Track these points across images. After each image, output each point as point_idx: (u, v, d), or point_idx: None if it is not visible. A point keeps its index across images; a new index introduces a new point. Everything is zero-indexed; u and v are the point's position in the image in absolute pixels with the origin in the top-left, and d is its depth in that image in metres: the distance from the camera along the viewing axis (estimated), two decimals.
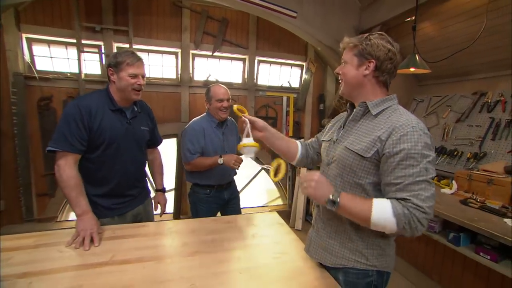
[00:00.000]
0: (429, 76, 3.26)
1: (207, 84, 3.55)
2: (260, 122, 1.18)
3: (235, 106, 1.19)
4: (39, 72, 3.03)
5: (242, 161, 1.91)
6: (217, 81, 3.60)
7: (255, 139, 1.17)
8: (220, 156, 1.97)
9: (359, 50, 0.97)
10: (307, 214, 3.92)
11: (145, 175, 1.74)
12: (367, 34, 0.99)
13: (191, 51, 3.50)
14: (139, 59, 1.47)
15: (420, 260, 2.57)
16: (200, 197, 2.10)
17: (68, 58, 3.17)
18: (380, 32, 0.99)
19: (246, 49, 3.67)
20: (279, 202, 4.21)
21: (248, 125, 1.16)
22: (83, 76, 3.10)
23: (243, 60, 3.77)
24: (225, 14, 3.54)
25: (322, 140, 1.19)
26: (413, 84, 3.57)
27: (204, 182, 2.08)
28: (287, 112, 3.93)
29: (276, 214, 1.69)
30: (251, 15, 3.60)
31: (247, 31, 3.67)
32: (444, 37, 2.88)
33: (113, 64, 1.43)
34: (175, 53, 3.50)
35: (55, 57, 3.16)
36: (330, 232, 1.03)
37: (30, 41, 3.04)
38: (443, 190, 2.58)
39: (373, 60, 0.95)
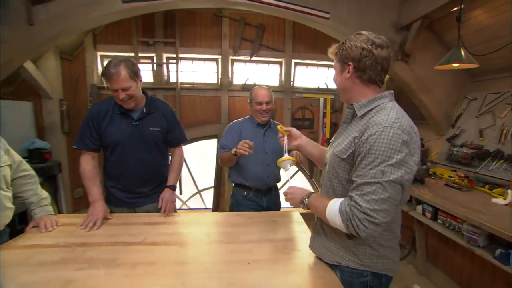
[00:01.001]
0: (485, 71, 2.93)
1: (245, 88, 3.76)
2: (295, 131, 1.33)
3: (279, 127, 1.36)
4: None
5: (247, 144, 1.67)
6: (254, 84, 3.77)
7: (292, 149, 1.39)
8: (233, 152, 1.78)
9: (339, 57, 1.01)
10: None
11: (163, 175, 1.74)
12: (346, 38, 1.01)
13: (230, 57, 3.73)
14: (114, 73, 1.40)
15: (464, 277, 2.33)
16: (238, 199, 2.02)
17: None
18: (358, 32, 1.00)
19: (282, 52, 3.77)
20: None
21: (285, 141, 1.32)
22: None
23: (280, 63, 3.87)
24: (261, 19, 3.69)
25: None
26: (464, 80, 3.24)
27: (240, 181, 2.01)
28: (324, 113, 3.92)
29: (297, 213, 1.76)
30: (287, 19, 3.68)
31: (283, 35, 3.77)
32: (501, 24, 2.53)
33: (103, 75, 1.50)
34: (216, 60, 3.78)
35: None
36: (327, 230, 1.09)
37: (102, 58, 3.63)
38: (494, 200, 2.32)
39: (350, 63, 0.97)
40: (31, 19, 2.39)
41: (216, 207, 3.86)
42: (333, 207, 0.92)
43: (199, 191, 4.03)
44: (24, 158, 2.81)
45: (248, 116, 2.11)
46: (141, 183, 1.66)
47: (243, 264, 1.12)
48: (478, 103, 3.05)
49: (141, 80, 1.58)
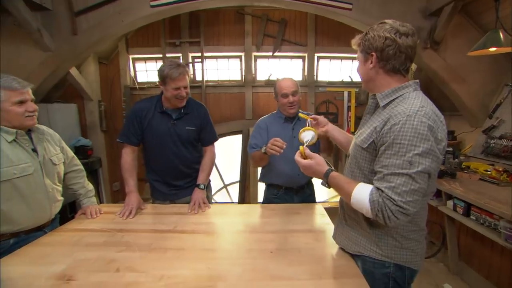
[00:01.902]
0: None
1: (268, 83, 3.81)
2: (322, 118, 1.38)
3: (300, 114, 1.41)
4: (139, 83, 3.86)
5: (277, 143, 1.55)
6: (277, 79, 3.79)
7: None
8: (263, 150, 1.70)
9: (362, 47, 1.01)
10: None
11: (196, 169, 1.85)
12: (369, 28, 1.00)
13: (253, 53, 3.80)
14: (182, 73, 1.59)
15: (503, 278, 2.17)
16: (270, 198, 1.96)
17: (157, 70, 3.87)
18: (381, 21, 0.99)
19: (305, 47, 3.75)
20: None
21: (308, 120, 1.39)
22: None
23: (303, 57, 3.86)
24: (283, 14, 3.70)
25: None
26: (503, 66, 2.99)
27: (271, 181, 1.95)
28: (349, 107, 3.85)
29: (320, 206, 1.80)
30: (309, 12, 3.65)
31: (305, 29, 3.75)
32: None
33: (160, 78, 1.63)
34: (239, 57, 3.86)
35: (149, 70, 3.95)
36: (350, 220, 1.11)
37: (134, 60, 3.88)
38: None
39: (373, 53, 0.96)
40: (75, 29, 2.64)
41: (242, 201, 3.98)
42: (361, 195, 0.91)
43: (225, 186, 4.18)
44: None
45: (275, 112, 2.00)
46: (178, 177, 1.80)
47: (266, 252, 1.19)
48: None
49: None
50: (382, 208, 0.85)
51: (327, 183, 1.04)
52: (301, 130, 1.33)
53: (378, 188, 0.89)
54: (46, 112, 3.06)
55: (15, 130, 1.25)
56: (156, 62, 3.87)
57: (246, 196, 4.01)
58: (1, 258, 1.15)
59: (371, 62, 0.98)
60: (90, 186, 1.71)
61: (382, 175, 0.88)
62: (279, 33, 3.71)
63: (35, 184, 1.31)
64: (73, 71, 3.13)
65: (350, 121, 3.86)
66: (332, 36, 3.76)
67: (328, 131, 1.38)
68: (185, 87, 1.63)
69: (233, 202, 4.17)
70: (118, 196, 3.96)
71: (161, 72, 1.62)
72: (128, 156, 1.74)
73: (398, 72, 0.98)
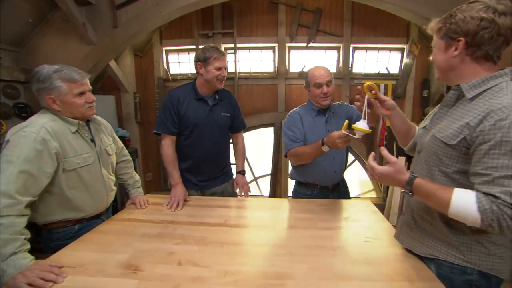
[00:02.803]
0: None
1: (302, 76, 3.71)
2: (390, 101, 1.20)
3: (366, 83, 1.22)
4: (172, 75, 3.89)
5: (346, 137, 1.41)
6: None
7: (376, 118, 1.28)
8: (323, 144, 1.54)
9: (444, 32, 0.89)
10: (403, 210, 3.64)
11: (228, 158, 1.89)
12: (455, 9, 0.88)
13: (287, 44, 3.70)
14: (223, 54, 1.64)
15: None
16: (301, 198, 1.81)
17: (189, 62, 3.90)
18: (471, 0, 0.87)
19: (340, 37, 3.61)
20: (372, 195, 4.05)
21: (365, 106, 1.21)
22: None
23: (338, 48, 3.72)
24: (318, 3, 3.57)
25: (419, 128, 1.16)
26: None
27: (305, 178, 1.80)
28: None
29: (369, 202, 1.73)
30: (345, 0, 3.49)
31: (341, 18, 3.59)
32: None
33: (202, 59, 1.62)
34: (272, 48, 3.78)
35: (182, 62, 3.97)
36: (421, 221, 1.03)
37: (167, 52, 3.91)
38: None
39: (461, 38, 0.84)
40: (116, 22, 2.69)
41: (273, 195, 3.96)
42: (464, 203, 0.80)
43: (255, 178, 4.17)
44: None
45: (305, 104, 1.85)
46: (213, 165, 1.81)
47: (327, 250, 1.15)
48: None
49: None
50: (499, 216, 0.75)
51: (411, 191, 0.93)
52: (356, 126, 1.22)
53: (487, 194, 0.78)
54: None
55: (77, 121, 1.28)
56: (188, 53, 3.87)
57: (277, 190, 3.99)
58: (69, 243, 1.19)
59: (456, 49, 0.86)
60: (137, 177, 1.74)
61: (491, 178, 0.77)
62: (314, 23, 3.59)
63: (95, 173, 1.35)
64: (112, 63, 3.21)
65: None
66: (369, 26, 3.59)
67: (391, 117, 1.20)
68: (226, 69, 1.66)
69: (263, 195, 4.16)
70: (150, 186, 4.07)
71: (202, 54, 1.63)
72: (169, 147, 1.72)
73: (489, 59, 0.86)
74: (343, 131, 1.38)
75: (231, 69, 3.84)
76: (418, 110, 3.71)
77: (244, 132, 3.90)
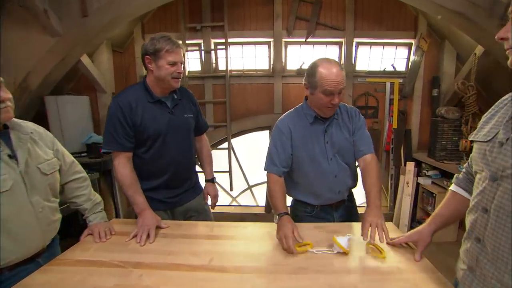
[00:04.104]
0: None
1: (300, 73, 3.36)
2: (414, 236, 1.09)
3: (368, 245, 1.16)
4: None
5: (288, 243, 1.12)
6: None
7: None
8: (279, 215, 1.27)
9: None
10: (414, 220, 3.33)
11: (195, 166, 1.64)
12: None
13: (284, 39, 3.36)
14: (178, 45, 1.34)
15: None
16: (301, 215, 1.52)
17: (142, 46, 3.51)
18: None
19: (342, 31, 3.28)
20: None
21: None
22: (187, 73, 3.38)
23: (339, 43, 3.39)
24: None
25: (475, 141, 0.83)
26: None
27: (300, 198, 1.51)
28: (391, 100, 3.36)
29: (391, 225, 1.39)
30: None
31: (343, 10, 3.27)
32: None
33: (151, 51, 1.30)
34: (268, 43, 3.43)
35: None
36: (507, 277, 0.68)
37: None
38: None
39: None
40: (85, 10, 2.29)
41: (269, 205, 3.59)
42: None
43: (250, 187, 3.81)
44: (82, 153, 2.91)
45: (298, 107, 1.47)
46: (182, 177, 1.54)
47: None
48: None
49: None
50: None
51: None
52: (337, 241, 1.10)
53: None
54: (55, 105, 2.76)
55: None
56: None
57: None
58: None
59: None
60: (98, 198, 1.36)
61: None
62: (313, 15, 3.25)
63: (16, 203, 0.96)
64: (85, 59, 2.81)
65: (392, 116, 3.37)
66: (373, 18, 3.27)
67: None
68: (182, 64, 1.38)
69: (258, 205, 3.79)
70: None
71: (151, 45, 1.30)
72: (125, 167, 1.36)
73: None
74: (296, 240, 1.14)
75: (221, 66, 3.48)
76: (427, 111, 3.40)
77: (236, 137, 3.61)
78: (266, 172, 1.43)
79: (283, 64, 3.43)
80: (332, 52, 3.44)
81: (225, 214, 3.59)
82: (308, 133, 1.39)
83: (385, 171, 3.53)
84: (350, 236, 1.14)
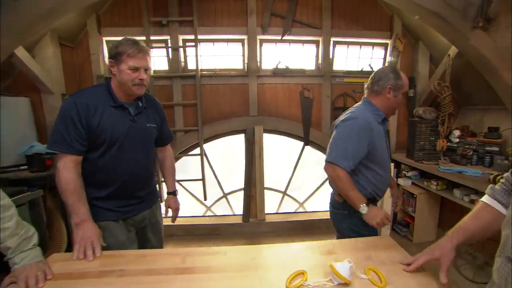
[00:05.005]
0: None
1: (276, 73, 3.17)
2: (436, 253, 0.94)
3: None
4: None
5: (389, 222, 1.44)
6: (287, 68, 3.18)
7: None
8: (367, 205, 1.39)
9: None
10: (394, 222, 3.29)
11: (153, 176, 1.57)
12: None
13: (258, 37, 3.14)
14: (142, 50, 1.29)
15: None
16: (354, 215, 1.48)
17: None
18: None
19: (319, 29, 3.15)
20: None
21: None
22: (152, 72, 3.02)
23: (316, 42, 3.26)
24: None
25: None
26: None
27: (370, 195, 1.53)
28: None
29: (403, 251, 1.22)
30: None
31: (320, 8, 3.14)
32: None
33: (113, 54, 1.28)
34: (241, 40, 3.19)
35: None
36: None
37: (108, 44, 3.08)
38: None
39: None
40: None
41: (247, 213, 3.34)
42: None
43: (225, 195, 3.52)
44: (21, 165, 2.42)
45: (365, 106, 1.54)
46: (138, 187, 1.45)
47: None
48: None
49: None
50: None
51: None
52: (336, 269, 0.96)
53: None
54: None
55: None
56: None
57: (252, 207, 3.38)
58: None
59: None
60: (30, 230, 1.02)
61: None
62: (290, 12, 3.09)
63: None
64: (21, 53, 2.33)
65: None
66: (350, 18, 3.19)
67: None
68: (146, 70, 1.32)
69: (235, 214, 3.51)
70: None
71: (114, 48, 1.28)
72: (72, 171, 1.24)
73: None
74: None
75: (191, 65, 3.17)
76: (403, 111, 3.39)
77: (209, 142, 3.32)
78: (329, 163, 1.44)
79: (258, 63, 3.21)
80: (309, 51, 3.30)
81: (198, 226, 3.28)
82: (382, 133, 1.53)
83: None
84: (351, 263, 0.98)
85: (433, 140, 2.94)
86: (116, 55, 1.27)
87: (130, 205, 1.43)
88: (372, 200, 1.53)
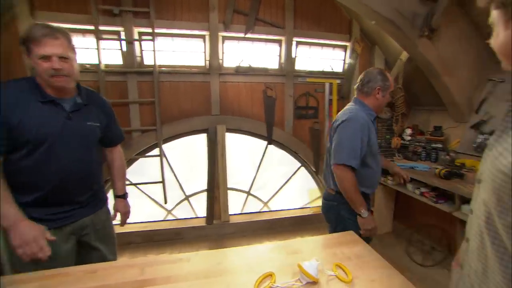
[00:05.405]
0: None
1: (239, 71, 3.12)
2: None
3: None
4: None
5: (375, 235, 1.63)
6: (250, 67, 3.15)
7: None
8: (369, 210, 1.58)
9: (499, 0, 0.62)
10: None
11: (99, 178, 1.46)
12: None
13: (220, 34, 3.06)
14: (49, 34, 1.12)
15: None
16: (349, 207, 1.60)
17: (87, 48, 2.82)
18: None
19: (282, 29, 3.17)
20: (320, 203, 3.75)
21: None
22: (102, 66, 2.75)
23: (279, 41, 3.28)
24: None
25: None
26: (486, 61, 2.91)
27: (364, 190, 1.63)
28: (330, 100, 3.42)
29: (352, 234, 1.26)
30: None
31: (282, 8, 3.17)
32: None
33: (22, 41, 1.14)
34: (203, 36, 3.07)
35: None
36: (503, 284, 0.64)
37: None
38: None
39: None
40: None
41: (211, 215, 3.24)
42: None
43: (187, 197, 3.36)
44: None
45: (359, 106, 1.65)
46: (79, 190, 1.32)
47: None
48: (508, 86, 2.74)
49: (76, 60, 1.26)
50: None
51: None
52: (304, 269, 0.96)
53: None
54: None
55: None
56: (83, 35, 2.80)
57: (216, 209, 3.28)
58: None
59: None
60: None
61: None
62: (252, 9, 3.05)
63: None
64: None
65: (331, 116, 3.43)
66: (312, 19, 3.26)
67: None
68: (63, 58, 1.16)
69: (198, 217, 3.38)
70: None
71: (24, 34, 1.14)
72: None
73: None
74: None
75: (148, 60, 2.97)
76: None
77: (168, 142, 3.14)
78: (339, 164, 1.52)
79: (220, 60, 3.13)
80: (272, 50, 3.30)
81: (159, 231, 3.09)
82: (373, 130, 1.63)
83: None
84: (318, 261, 1.00)
85: (388, 138, 3.15)
86: (23, 42, 1.13)
87: (66, 211, 1.29)
88: (364, 196, 1.63)
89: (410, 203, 3.09)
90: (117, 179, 1.61)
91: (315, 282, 0.95)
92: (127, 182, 2.99)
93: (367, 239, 1.61)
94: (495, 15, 0.66)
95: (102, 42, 2.74)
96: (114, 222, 1.58)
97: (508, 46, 0.64)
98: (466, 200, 2.12)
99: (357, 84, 1.72)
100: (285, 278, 0.98)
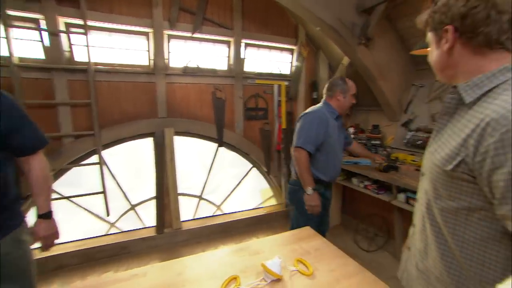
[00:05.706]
0: (426, 60, 3.05)
1: (187, 72, 2.99)
2: None
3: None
4: None
5: (317, 213, 1.87)
6: (198, 67, 3.05)
7: None
8: (314, 190, 1.84)
9: (431, 25, 0.73)
10: None
11: (9, 195, 1.21)
12: None
13: (166, 32, 2.89)
14: None
15: None
16: (302, 190, 1.90)
17: None
18: None
19: (231, 30, 3.15)
20: (273, 202, 3.82)
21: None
22: (16, 60, 2.34)
23: (228, 43, 3.24)
24: None
25: None
26: (410, 69, 3.35)
27: (317, 176, 1.93)
28: (279, 102, 3.51)
29: (308, 228, 1.29)
30: None
31: (230, 9, 3.14)
32: None
33: None
34: (146, 34, 2.86)
35: None
36: (439, 258, 0.74)
37: None
38: None
39: (447, 27, 0.67)
40: None
41: (161, 224, 3.01)
42: None
43: (133, 207, 3.08)
44: None
45: (323, 106, 1.99)
46: None
47: None
48: (427, 90, 3.17)
49: None
50: None
51: None
52: (267, 267, 0.98)
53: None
54: None
55: None
56: None
57: (166, 216, 3.06)
58: None
59: (446, 41, 0.69)
60: None
61: None
62: (199, 8, 2.96)
63: None
64: None
65: (281, 117, 3.53)
66: (260, 21, 3.31)
67: None
68: None
69: (147, 227, 3.12)
70: None
71: None
72: None
73: (496, 45, 0.64)
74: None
75: (80, 57, 2.64)
76: None
77: (109, 148, 2.84)
78: (297, 147, 1.85)
79: (166, 60, 2.96)
80: (221, 51, 3.25)
81: (100, 248, 2.74)
82: (335, 126, 1.96)
83: (278, 170, 3.65)
84: (281, 258, 1.03)
85: None
86: None
87: None
88: (316, 181, 1.91)
89: (355, 196, 3.35)
90: (36, 195, 1.30)
91: (279, 279, 0.96)
92: (57, 196, 2.61)
93: (322, 232, 1.70)
94: (429, 36, 0.77)
95: (13, 31, 2.33)
96: (32, 247, 1.29)
97: (439, 63, 0.74)
98: (401, 189, 2.39)
99: (324, 89, 2.07)
100: (249, 279, 0.96)
